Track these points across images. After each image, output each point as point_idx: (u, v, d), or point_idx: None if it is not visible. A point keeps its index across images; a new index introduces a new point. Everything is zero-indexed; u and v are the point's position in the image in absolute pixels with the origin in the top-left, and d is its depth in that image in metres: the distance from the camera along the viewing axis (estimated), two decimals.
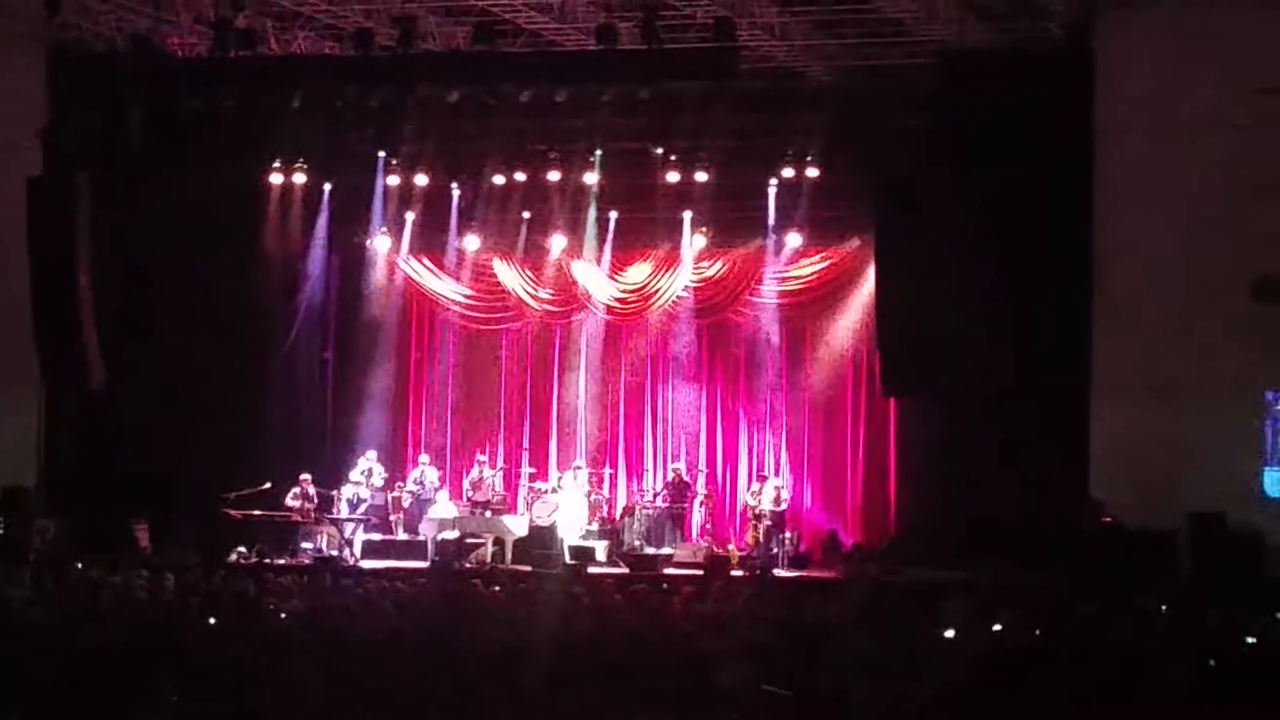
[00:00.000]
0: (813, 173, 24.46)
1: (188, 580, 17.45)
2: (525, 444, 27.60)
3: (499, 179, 25.85)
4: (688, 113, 23.80)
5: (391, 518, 26.12)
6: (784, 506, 24.95)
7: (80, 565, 20.02)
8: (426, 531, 25.40)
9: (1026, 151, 21.76)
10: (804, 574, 23.49)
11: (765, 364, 26.66)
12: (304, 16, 23.15)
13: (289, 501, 24.81)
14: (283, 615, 13.54)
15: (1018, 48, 22.39)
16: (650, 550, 24.67)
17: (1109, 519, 21.09)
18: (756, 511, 24.97)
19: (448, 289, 27.63)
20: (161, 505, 24.11)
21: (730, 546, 24.79)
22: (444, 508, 25.70)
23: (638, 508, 26.02)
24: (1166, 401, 21.14)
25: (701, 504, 26.05)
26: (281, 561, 23.37)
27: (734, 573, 22.60)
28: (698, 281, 26.73)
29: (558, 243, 26.72)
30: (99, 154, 23.65)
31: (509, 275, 27.38)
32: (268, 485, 24.49)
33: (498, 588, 17.30)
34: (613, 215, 26.42)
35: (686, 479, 26.03)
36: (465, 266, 27.48)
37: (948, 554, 21.76)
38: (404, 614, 13.28)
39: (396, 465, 26.94)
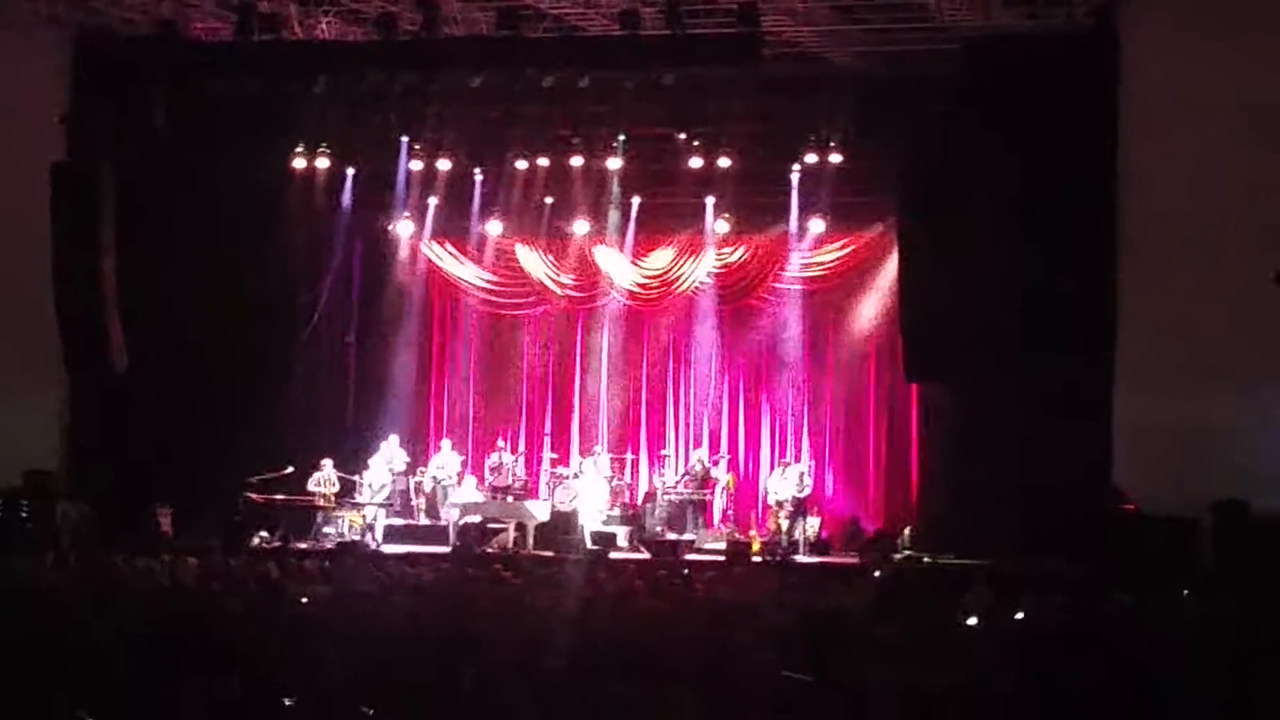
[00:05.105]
0: (836, 158, 24.45)
1: (210, 564, 17.45)
2: (547, 429, 27.69)
3: (522, 164, 25.88)
4: (711, 98, 23.85)
5: (413, 502, 26.17)
6: (806, 493, 24.93)
7: (103, 550, 20.01)
8: (448, 516, 25.43)
9: (1051, 137, 21.68)
10: (825, 560, 23.42)
11: (788, 350, 26.65)
12: (327, 1, 23.11)
13: (311, 486, 24.85)
14: (304, 600, 13.53)
15: (1043, 33, 22.27)
16: (672, 536, 24.62)
17: (1131, 506, 21.00)
18: (778, 498, 24.96)
19: (470, 274, 27.67)
20: (184, 490, 24.13)
21: (752, 533, 24.80)
22: (466, 493, 25.71)
23: (659, 493, 26.02)
24: (1190, 388, 20.99)
25: (723, 490, 26.03)
26: (303, 546, 23.40)
27: (755, 559, 22.57)
28: (720, 267, 26.75)
29: (580, 228, 26.75)
30: (122, 139, 23.69)
31: (531, 260, 27.41)
32: (290, 469, 24.52)
33: (518, 573, 17.25)
34: (635, 201, 26.44)
35: (708, 465, 26.01)
36: (488, 251, 27.54)
37: (970, 541, 21.74)
38: (425, 599, 13.27)
39: (418, 450, 26.96)
